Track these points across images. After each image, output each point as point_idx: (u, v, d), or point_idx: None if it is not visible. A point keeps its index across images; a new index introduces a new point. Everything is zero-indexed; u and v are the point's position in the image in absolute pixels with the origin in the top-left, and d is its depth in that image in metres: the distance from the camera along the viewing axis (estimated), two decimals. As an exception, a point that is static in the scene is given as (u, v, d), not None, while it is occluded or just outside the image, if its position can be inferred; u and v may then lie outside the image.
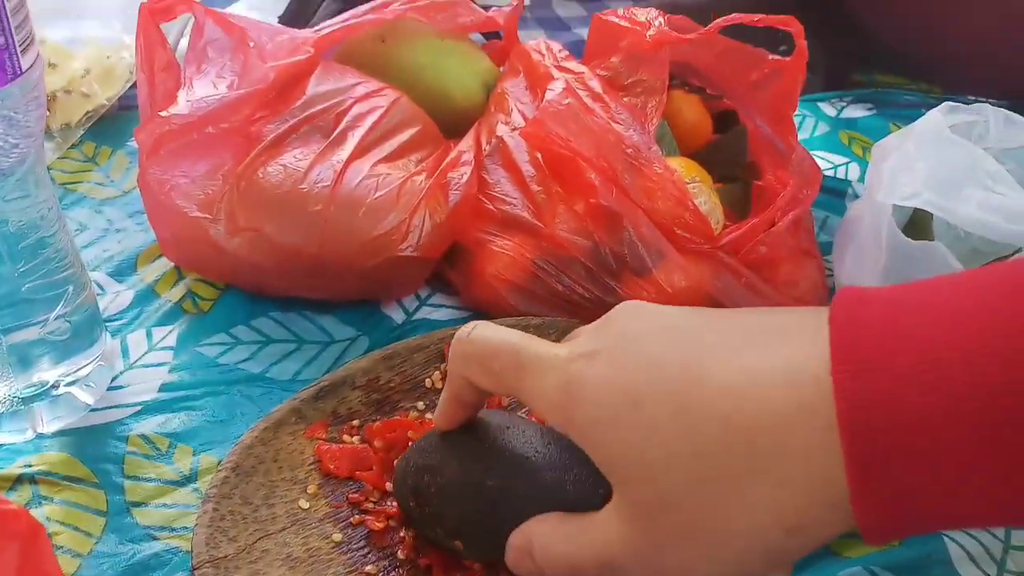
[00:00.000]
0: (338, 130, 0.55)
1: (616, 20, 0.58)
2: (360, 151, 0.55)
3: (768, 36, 0.54)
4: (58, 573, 0.34)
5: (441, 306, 0.57)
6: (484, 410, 0.42)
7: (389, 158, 0.56)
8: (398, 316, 0.56)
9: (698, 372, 0.32)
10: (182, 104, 0.54)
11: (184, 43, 0.69)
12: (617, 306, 0.36)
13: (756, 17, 0.51)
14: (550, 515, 0.37)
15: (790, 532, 0.31)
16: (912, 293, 0.31)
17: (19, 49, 0.41)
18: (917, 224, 0.51)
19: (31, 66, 0.42)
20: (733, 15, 0.52)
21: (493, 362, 0.37)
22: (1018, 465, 0.28)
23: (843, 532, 0.31)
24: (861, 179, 0.66)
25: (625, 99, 0.54)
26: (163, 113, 0.54)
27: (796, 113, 0.66)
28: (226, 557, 0.41)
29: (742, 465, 0.31)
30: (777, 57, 0.55)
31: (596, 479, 0.35)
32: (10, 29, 0.41)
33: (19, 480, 0.47)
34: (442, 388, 0.49)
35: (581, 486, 0.38)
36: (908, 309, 0.30)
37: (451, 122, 0.60)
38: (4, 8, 0.40)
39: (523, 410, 0.48)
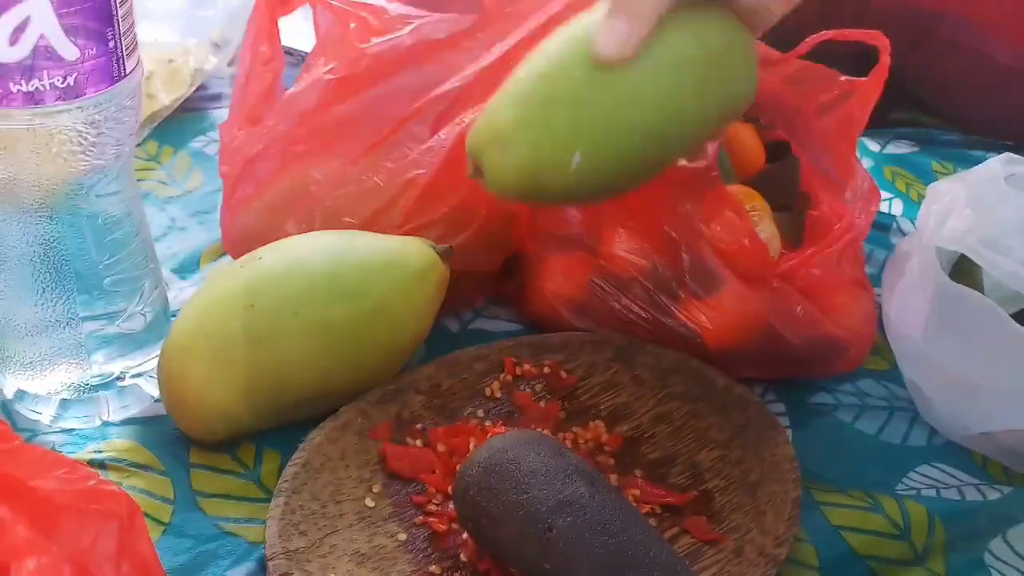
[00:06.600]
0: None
1: None
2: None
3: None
4: (152, 553, 0.35)
5: (496, 318, 0.59)
6: (526, 432, 0.44)
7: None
8: (454, 326, 0.58)
9: None
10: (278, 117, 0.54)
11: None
12: None
13: (844, 32, 0.51)
14: None
15: None
16: None
17: (126, 53, 0.43)
18: (965, 267, 0.52)
19: (134, 69, 0.44)
20: (823, 32, 0.51)
21: None
22: None
23: None
24: (905, 215, 0.68)
25: None
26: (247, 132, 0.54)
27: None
28: (297, 550, 0.42)
29: None
30: (851, 78, 0.54)
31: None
32: (119, 35, 0.43)
33: (89, 465, 0.48)
34: (501, 397, 0.51)
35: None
36: None
37: None
38: (116, 15, 0.42)
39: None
